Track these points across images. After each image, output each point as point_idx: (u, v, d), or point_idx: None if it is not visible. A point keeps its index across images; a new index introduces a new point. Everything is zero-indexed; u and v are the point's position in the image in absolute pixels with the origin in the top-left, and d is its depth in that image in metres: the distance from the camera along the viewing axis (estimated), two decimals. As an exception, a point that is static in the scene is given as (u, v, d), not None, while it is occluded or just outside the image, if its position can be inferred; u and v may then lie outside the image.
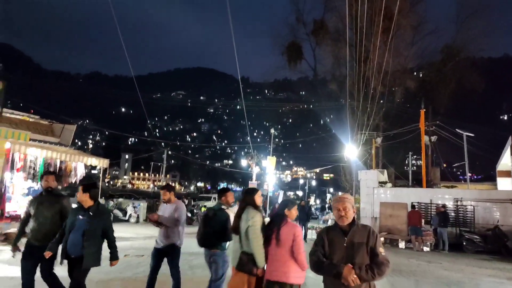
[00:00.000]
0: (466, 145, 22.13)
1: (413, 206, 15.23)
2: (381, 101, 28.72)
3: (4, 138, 10.58)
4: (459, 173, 46.78)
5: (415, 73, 33.36)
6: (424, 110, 21.52)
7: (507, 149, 18.24)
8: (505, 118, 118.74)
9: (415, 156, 31.08)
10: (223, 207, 4.89)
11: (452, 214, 15.55)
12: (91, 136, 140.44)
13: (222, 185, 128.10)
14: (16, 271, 6.90)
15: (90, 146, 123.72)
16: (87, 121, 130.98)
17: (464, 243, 14.36)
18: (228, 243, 4.74)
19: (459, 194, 16.33)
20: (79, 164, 13.09)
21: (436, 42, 41.31)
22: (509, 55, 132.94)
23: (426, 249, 14.31)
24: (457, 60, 30.06)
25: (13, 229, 10.85)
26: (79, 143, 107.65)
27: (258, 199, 4.14)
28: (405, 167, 32.85)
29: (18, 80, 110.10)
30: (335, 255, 2.94)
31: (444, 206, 15.04)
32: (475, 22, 29.19)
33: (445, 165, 32.53)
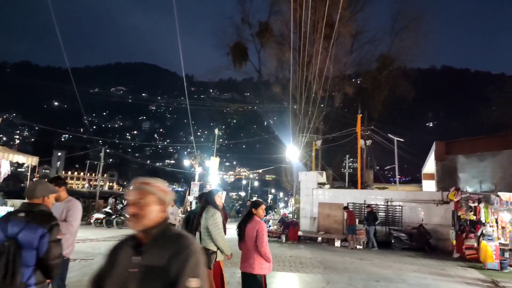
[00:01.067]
0: (396, 149, 23.78)
1: (345, 207, 16.03)
2: (322, 105, 29.88)
3: None
4: (389, 175, 50.24)
5: (353, 80, 35.19)
6: (361, 115, 22.83)
7: (431, 154, 19.93)
8: (431, 125, 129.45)
9: (351, 159, 32.81)
10: (197, 209, 5.28)
11: (383, 213, 16.62)
12: (18, 131, 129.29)
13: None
14: None
15: (17, 142, 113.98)
16: (14, 114, 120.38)
17: (393, 241, 15.39)
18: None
19: (390, 195, 17.51)
20: (3, 161, 12.00)
21: (373, 51, 43.79)
22: (435, 67, 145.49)
23: (359, 247, 15.15)
24: (391, 69, 32.23)
25: None
26: (4, 138, 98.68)
27: (218, 199, 4.59)
28: (342, 169, 34.53)
29: None
30: None
31: (369, 206, 16.03)
32: (408, 34, 31.50)
33: (378, 168, 34.73)
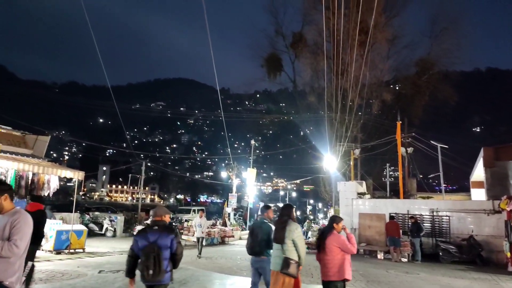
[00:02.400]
0: (440, 157, 22.71)
1: (391, 217, 15.44)
2: (359, 113, 29.28)
3: (-28, 150, 10.17)
4: (434, 183, 47.99)
5: (391, 86, 34.25)
6: (400, 122, 22.04)
7: (479, 160, 18.83)
8: (477, 130, 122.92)
9: (392, 167, 31.72)
10: (265, 220, 5.65)
11: (429, 224, 15.84)
12: (67, 148, 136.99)
13: (202, 197, 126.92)
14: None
15: (66, 158, 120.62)
16: (63, 132, 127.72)
17: (440, 253, 14.59)
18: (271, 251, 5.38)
19: (435, 204, 16.66)
20: (53, 177, 12.70)
21: (411, 56, 42.46)
22: (480, 70, 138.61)
23: (403, 259, 14.49)
24: (431, 73, 31.07)
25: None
26: (55, 154, 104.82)
27: (271, 213, 5.54)
28: (383, 178, 33.45)
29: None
30: None
31: (413, 216, 15.31)
32: (447, 37, 30.35)
33: (421, 176, 33.29)
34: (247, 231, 16.34)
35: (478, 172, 20.02)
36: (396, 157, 22.37)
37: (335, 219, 4.99)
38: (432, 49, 31.34)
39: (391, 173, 31.96)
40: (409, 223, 15.33)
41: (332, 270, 4.61)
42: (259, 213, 6.04)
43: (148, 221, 21.35)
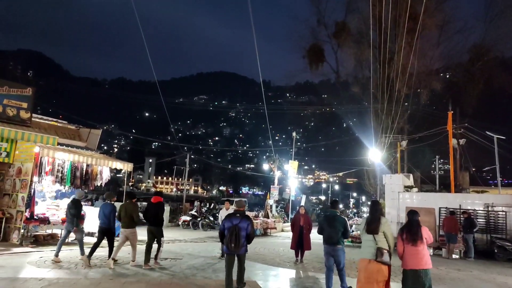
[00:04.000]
0: (496, 148, 21.24)
1: (451, 212, 14.67)
2: (406, 104, 28.05)
3: (33, 142, 10.92)
4: (489, 177, 45.11)
5: (441, 74, 32.40)
6: (452, 112, 20.82)
7: (541, 152, 17.43)
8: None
9: (442, 160, 30.19)
10: (337, 213, 7.06)
11: (483, 220, 14.95)
12: (116, 141, 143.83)
13: (244, 189, 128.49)
14: (44, 273, 7.08)
15: (115, 150, 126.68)
16: (113, 125, 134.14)
17: (496, 250, 13.74)
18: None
19: (490, 199, 15.67)
20: (105, 168, 13.37)
21: (463, 42, 39.83)
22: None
23: (455, 256, 13.81)
24: (486, 60, 29.01)
25: (42, 231, 11.17)
26: (105, 147, 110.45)
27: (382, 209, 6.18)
28: (432, 171, 31.92)
29: (48, 86, 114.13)
30: None
31: (466, 211, 14.50)
32: (504, 21, 28.12)
33: (474, 169, 31.40)
34: (289, 223, 16.42)
35: (540, 165, 18.56)
36: (447, 149, 21.24)
37: (416, 213, 5.49)
38: (486, 34, 29.19)
39: (440, 166, 30.46)
40: (462, 219, 14.55)
41: (425, 258, 5.13)
42: (329, 206, 7.53)
43: (193, 212, 22.00)
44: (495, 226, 14.76)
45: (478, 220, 14.65)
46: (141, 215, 9.62)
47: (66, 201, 12.70)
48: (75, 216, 8.44)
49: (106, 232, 8.46)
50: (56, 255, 8.31)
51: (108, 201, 8.80)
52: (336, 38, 31.55)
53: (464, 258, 13.64)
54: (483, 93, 29.63)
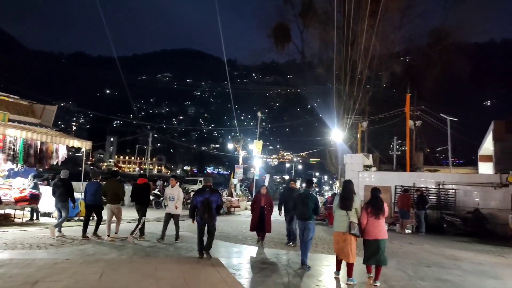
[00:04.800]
0: (449, 130, 22.42)
1: (405, 190, 15.42)
2: (368, 86, 28.76)
3: (-19, 118, 10.21)
4: (442, 157, 47.75)
5: (401, 58, 33.36)
6: (410, 94, 21.65)
7: (488, 134, 18.59)
8: (488, 103, 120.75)
9: (399, 141, 31.45)
10: (310, 192, 7.66)
11: (434, 197, 15.86)
12: (74, 118, 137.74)
13: (209, 168, 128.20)
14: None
15: (74, 128, 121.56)
16: (71, 102, 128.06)
17: (445, 226, 14.68)
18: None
19: (441, 177, 16.62)
20: (61, 146, 12.80)
21: (424, 26, 41.01)
22: (495, 41, 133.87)
23: (407, 231, 14.63)
24: (444, 45, 30.07)
25: (-7, 211, 10.62)
26: (62, 125, 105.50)
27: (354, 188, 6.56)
28: (390, 152, 33.32)
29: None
30: None
31: (419, 189, 15.33)
32: (463, 7, 29.19)
33: (428, 150, 33.06)
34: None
35: (487, 146, 19.81)
36: (404, 130, 22.16)
37: (379, 191, 6.31)
38: (446, 19, 30.20)
39: (398, 146, 31.79)
40: (415, 196, 15.36)
41: (384, 230, 6.06)
42: (304, 185, 8.21)
43: (156, 191, 21.68)
44: (445, 203, 15.73)
45: (430, 197, 15.53)
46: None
47: (20, 180, 12.13)
48: (68, 195, 9.34)
49: (94, 208, 9.32)
50: (60, 231, 9.18)
51: (94, 180, 9.79)
52: (302, 18, 31.47)
53: (416, 233, 14.47)
54: (440, 77, 30.87)
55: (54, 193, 9.41)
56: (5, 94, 13.85)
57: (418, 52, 31.72)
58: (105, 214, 9.54)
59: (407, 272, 7.34)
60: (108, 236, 8.97)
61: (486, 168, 21.68)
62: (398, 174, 18.51)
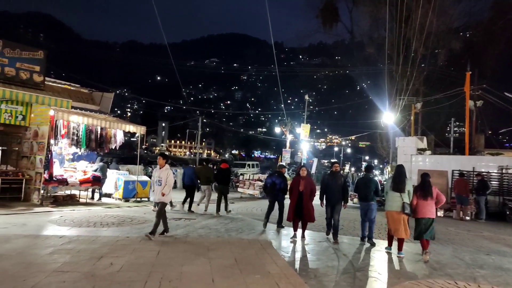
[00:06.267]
0: (514, 110, 20.71)
1: (461, 174, 14.60)
2: (422, 65, 27.22)
3: (48, 106, 11.05)
4: (505, 140, 44.33)
5: (461, 33, 31.09)
6: (470, 72, 20.16)
7: (561, 114, 16.94)
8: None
9: (457, 123, 29.58)
10: (371, 176, 8.33)
11: (496, 182, 14.86)
12: (129, 105, 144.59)
13: (256, 152, 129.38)
14: (65, 231, 7.40)
15: (129, 114, 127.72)
16: (125, 89, 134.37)
17: (508, 212, 13.77)
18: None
19: (504, 161, 15.50)
20: (118, 131, 13.54)
21: (485, -1, 37.84)
22: None
23: (466, 218, 13.89)
24: (508, 18, 27.59)
25: (61, 192, 11.56)
26: (118, 111, 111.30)
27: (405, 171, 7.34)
28: (447, 134, 31.47)
29: (59, 50, 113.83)
30: None
31: (479, 174, 14.40)
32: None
33: (490, 132, 30.82)
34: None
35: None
36: (463, 111, 20.80)
37: (428, 175, 7.12)
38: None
39: (456, 128, 29.96)
40: (475, 181, 14.48)
41: (432, 210, 6.85)
42: (363, 171, 9.28)
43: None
44: (508, 188, 14.69)
45: (491, 182, 14.57)
46: None
47: (83, 163, 13.05)
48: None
49: (190, 188, 11.67)
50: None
51: (190, 165, 13.06)
52: (351, -4, 30.27)
53: (475, 219, 13.71)
54: (503, 53, 28.45)
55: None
56: (68, 83, 14.86)
57: (479, 27, 29.42)
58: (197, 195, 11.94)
59: (464, 259, 7.01)
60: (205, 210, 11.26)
61: (557, 152, 19.85)
62: (456, 158, 17.51)
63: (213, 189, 12.43)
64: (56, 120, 11.13)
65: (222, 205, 11.22)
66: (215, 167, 14.71)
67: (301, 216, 8.12)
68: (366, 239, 8.03)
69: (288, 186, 8.74)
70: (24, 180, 11.15)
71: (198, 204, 11.78)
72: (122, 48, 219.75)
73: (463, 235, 10.06)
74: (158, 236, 7.09)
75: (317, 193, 8.40)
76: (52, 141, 11.28)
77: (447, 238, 9.33)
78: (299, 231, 8.24)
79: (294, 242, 7.79)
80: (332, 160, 9.49)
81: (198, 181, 11.65)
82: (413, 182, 16.74)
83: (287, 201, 8.66)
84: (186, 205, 11.58)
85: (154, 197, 7.93)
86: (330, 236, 8.23)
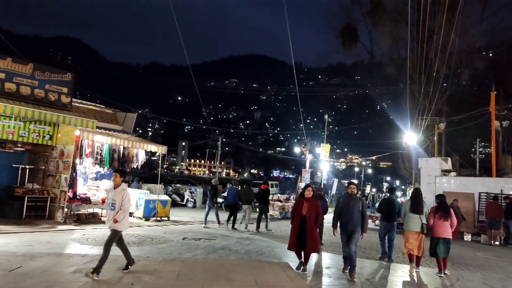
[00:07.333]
0: (544, 131, 20.02)
1: (495, 197, 14.08)
2: (445, 84, 26.79)
3: (74, 126, 11.40)
4: (534, 161, 42.68)
5: (484, 53, 30.57)
6: (495, 92, 19.71)
7: None
8: None
9: (483, 143, 28.75)
10: (394, 198, 9.24)
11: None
12: (150, 124, 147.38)
13: (275, 172, 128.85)
14: (87, 249, 7.48)
15: (150, 133, 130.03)
16: (147, 109, 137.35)
17: (540, 238, 13.11)
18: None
19: (535, 184, 14.88)
20: (140, 151, 13.77)
21: (509, 17, 37.26)
22: None
23: (496, 243, 13.30)
24: (534, 36, 27.06)
25: (84, 210, 11.76)
26: (140, 130, 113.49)
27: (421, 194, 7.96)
28: (472, 155, 30.59)
29: (86, 72, 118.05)
30: None
31: (508, 196, 13.85)
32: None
33: (517, 153, 29.76)
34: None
35: None
36: (488, 132, 20.24)
37: (444, 197, 7.83)
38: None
39: (481, 149, 29.10)
40: (503, 204, 13.92)
41: (448, 230, 7.31)
42: (386, 193, 10.60)
43: (225, 194, 22.32)
44: (540, 212, 14.01)
45: (521, 206, 13.96)
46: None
47: (106, 182, 13.29)
48: (214, 196, 13.17)
49: (233, 207, 12.89)
50: (205, 223, 12.79)
51: (233, 186, 14.16)
52: (371, 17, 30.37)
53: (504, 244, 13.13)
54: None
55: (205, 194, 13.66)
56: (93, 104, 15.33)
57: (503, 46, 28.93)
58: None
59: (494, 286, 6.68)
60: (246, 228, 12.48)
61: None
62: (483, 180, 16.94)
63: (253, 208, 14.13)
64: (81, 140, 11.44)
65: (262, 223, 12.32)
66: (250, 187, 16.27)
67: (303, 246, 6.69)
68: (387, 255, 8.55)
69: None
70: (49, 198, 11.42)
71: (241, 223, 12.93)
72: (144, 70, 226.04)
73: (492, 261, 9.63)
74: (122, 272, 5.71)
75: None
76: (77, 160, 11.57)
77: (475, 264, 8.95)
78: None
79: (305, 268, 6.80)
80: (349, 181, 7.73)
81: (240, 201, 12.93)
82: (428, 203, 16.33)
83: (326, 225, 8.97)
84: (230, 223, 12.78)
85: (106, 223, 5.99)
86: (347, 272, 6.73)
